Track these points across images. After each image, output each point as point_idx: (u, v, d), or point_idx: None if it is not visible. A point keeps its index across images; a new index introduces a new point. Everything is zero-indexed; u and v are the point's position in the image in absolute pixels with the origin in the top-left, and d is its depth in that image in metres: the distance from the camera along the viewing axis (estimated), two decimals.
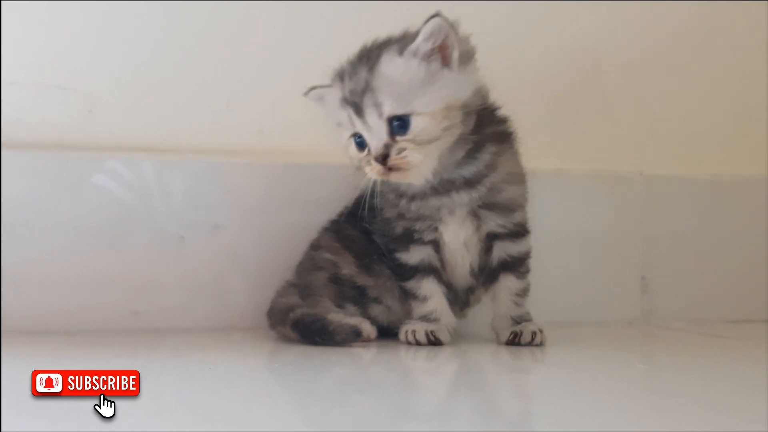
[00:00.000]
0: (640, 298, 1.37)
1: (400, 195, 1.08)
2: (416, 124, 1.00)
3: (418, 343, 1.05)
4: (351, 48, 1.06)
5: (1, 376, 0.83)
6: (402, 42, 1.02)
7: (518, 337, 1.06)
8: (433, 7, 1.04)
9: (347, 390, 0.80)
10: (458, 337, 1.10)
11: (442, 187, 1.05)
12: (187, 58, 1.26)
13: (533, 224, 1.11)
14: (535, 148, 1.11)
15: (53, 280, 1.16)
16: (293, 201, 1.24)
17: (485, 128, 1.06)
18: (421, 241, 1.08)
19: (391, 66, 1.01)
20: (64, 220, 1.17)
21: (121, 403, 0.69)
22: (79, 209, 1.18)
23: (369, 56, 1.03)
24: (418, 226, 1.08)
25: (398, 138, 1.00)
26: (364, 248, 1.13)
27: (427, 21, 1.00)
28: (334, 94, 1.05)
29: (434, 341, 1.05)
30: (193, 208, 1.22)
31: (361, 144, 1.04)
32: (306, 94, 1.10)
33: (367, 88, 1.01)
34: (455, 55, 1.01)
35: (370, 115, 1.01)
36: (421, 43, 1.00)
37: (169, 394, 0.80)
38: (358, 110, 1.01)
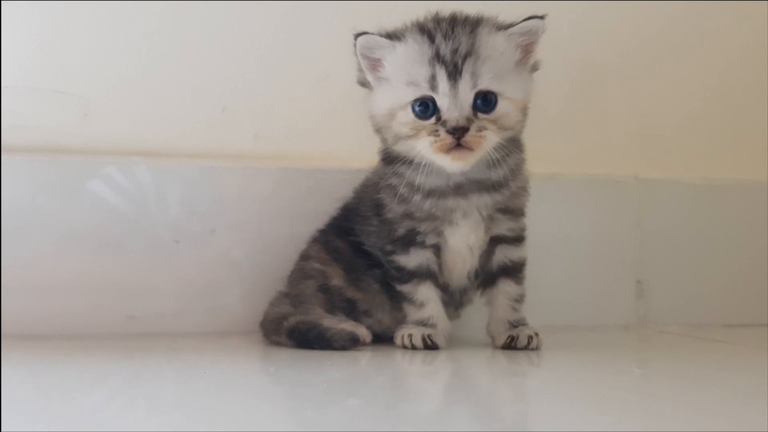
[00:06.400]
0: (636, 302, 1.36)
1: (416, 189, 1.04)
2: (502, 106, 0.99)
3: (414, 348, 1.05)
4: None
5: (1, 376, 0.83)
6: (490, 21, 1.01)
7: (514, 341, 1.06)
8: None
9: (343, 393, 0.80)
10: (454, 341, 1.10)
11: (465, 187, 1.04)
12: (183, 63, 1.26)
13: (528, 228, 1.11)
14: (529, 152, 1.11)
15: (48, 285, 1.16)
16: (289, 205, 1.24)
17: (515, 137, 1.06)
18: (422, 245, 1.07)
19: (491, 38, 1.00)
20: (61, 225, 1.17)
21: (119, 404, 0.68)
22: (75, 213, 1.18)
23: (464, 21, 1.00)
24: (423, 227, 1.06)
25: (480, 115, 0.98)
26: (352, 261, 1.12)
27: (528, 18, 1.01)
28: (414, 49, 1.00)
29: (431, 345, 1.05)
30: (189, 213, 1.22)
31: (424, 111, 0.99)
32: (357, 36, 1.02)
33: (471, 53, 0.98)
34: (533, 59, 1.03)
35: (465, 82, 0.97)
36: (518, 32, 1.01)
37: (165, 397, 0.80)
38: (455, 73, 0.97)
